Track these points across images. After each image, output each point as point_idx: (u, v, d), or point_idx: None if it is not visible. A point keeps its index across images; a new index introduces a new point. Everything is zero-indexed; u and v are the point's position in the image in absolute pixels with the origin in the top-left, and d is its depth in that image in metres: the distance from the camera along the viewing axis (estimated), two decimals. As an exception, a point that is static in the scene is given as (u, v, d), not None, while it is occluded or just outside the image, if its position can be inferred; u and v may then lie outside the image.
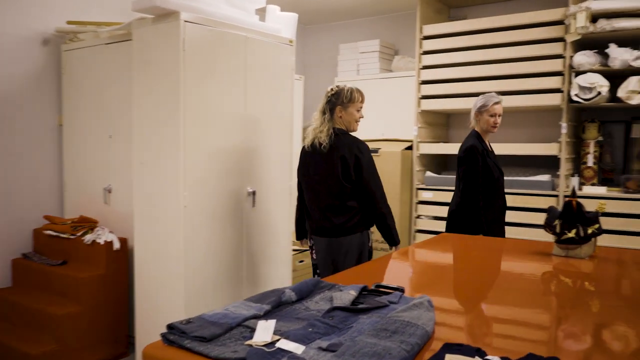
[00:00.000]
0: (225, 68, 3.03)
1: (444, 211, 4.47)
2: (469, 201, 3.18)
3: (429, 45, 4.61)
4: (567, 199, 2.16)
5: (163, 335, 1.12)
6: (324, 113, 2.85)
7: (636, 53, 3.67)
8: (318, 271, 3.02)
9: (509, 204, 4.12)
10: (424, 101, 4.65)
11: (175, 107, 2.77)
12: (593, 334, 1.31)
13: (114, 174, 3.46)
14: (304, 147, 2.99)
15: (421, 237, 4.62)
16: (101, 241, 3.20)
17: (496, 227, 3.29)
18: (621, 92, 3.73)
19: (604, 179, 4.19)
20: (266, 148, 3.37)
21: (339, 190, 2.79)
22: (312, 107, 5.87)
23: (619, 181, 4.02)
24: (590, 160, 4.13)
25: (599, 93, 3.76)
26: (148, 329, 3.00)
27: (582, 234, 2.10)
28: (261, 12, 3.47)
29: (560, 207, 2.27)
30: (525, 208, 4.08)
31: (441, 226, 4.45)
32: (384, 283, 1.45)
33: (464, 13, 4.96)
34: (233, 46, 3.06)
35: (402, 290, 1.38)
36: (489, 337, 1.26)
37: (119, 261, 3.27)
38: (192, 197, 2.85)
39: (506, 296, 1.70)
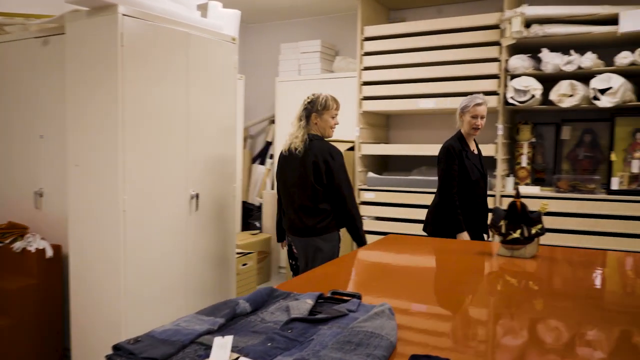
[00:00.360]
0: (166, 66, 2.91)
1: (386, 212, 4.52)
2: (445, 201, 3.24)
3: (370, 46, 4.64)
4: (512, 199, 2.21)
5: (108, 358, 1.03)
6: (300, 120, 3.03)
7: (567, 58, 3.84)
8: (298, 264, 3.12)
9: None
10: (365, 102, 4.68)
11: (113, 106, 2.63)
12: (542, 332, 1.34)
13: (46, 176, 3.25)
14: (281, 152, 3.12)
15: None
16: (32, 249, 3.00)
17: (473, 229, 3.26)
18: (553, 95, 3.89)
19: (537, 179, 4.36)
20: (210, 149, 3.28)
21: (311, 192, 2.92)
22: (253, 107, 5.82)
23: (550, 181, 4.20)
24: (524, 161, 4.29)
25: (533, 96, 3.90)
26: (85, 342, 2.84)
27: (526, 234, 2.15)
28: (203, 8, 3.37)
29: (503, 208, 2.33)
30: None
31: (385, 227, 4.51)
32: (340, 290, 1.42)
33: (403, 16, 5.03)
34: (174, 43, 2.95)
35: (359, 296, 1.36)
36: (446, 342, 1.25)
37: (52, 270, 3.07)
38: (132, 201, 2.72)
39: (458, 298, 1.71)
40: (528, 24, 3.93)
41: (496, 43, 4.14)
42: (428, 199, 4.29)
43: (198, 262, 3.22)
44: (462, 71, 4.27)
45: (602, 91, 3.70)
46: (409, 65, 4.49)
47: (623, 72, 3.72)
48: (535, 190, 4.05)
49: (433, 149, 4.40)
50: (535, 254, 2.19)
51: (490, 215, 2.32)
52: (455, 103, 4.26)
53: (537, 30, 3.89)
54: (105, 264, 2.73)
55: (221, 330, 1.15)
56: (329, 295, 1.39)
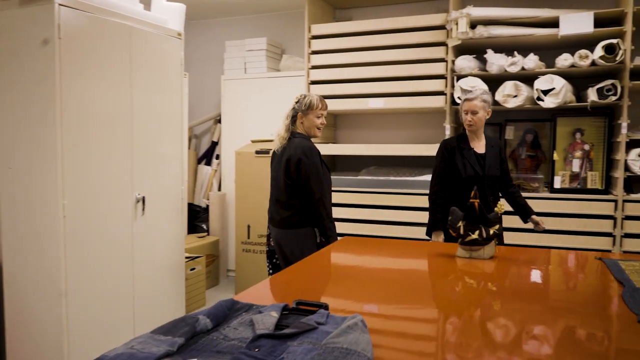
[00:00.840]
0: (108, 61, 2.74)
1: (335, 212, 4.47)
2: (429, 196, 3.29)
3: (318, 45, 4.59)
4: (470, 200, 2.21)
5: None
6: (287, 119, 3.15)
7: (511, 59, 3.92)
8: (275, 258, 3.20)
9: (392, 203, 4.24)
10: (314, 101, 4.62)
11: (50, 104, 2.45)
12: (499, 333, 1.32)
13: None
14: (273, 150, 3.27)
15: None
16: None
17: None
18: (498, 96, 3.96)
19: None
20: (155, 149, 3.13)
21: (283, 187, 3.07)
22: (198, 106, 5.65)
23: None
24: (470, 160, 4.35)
25: (480, 96, 3.96)
26: None
27: (484, 235, 2.16)
28: (146, 2, 3.21)
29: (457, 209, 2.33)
30: (411, 207, 4.19)
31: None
32: (305, 299, 1.35)
33: (349, 14, 5.00)
34: (116, 37, 2.78)
35: (326, 307, 1.29)
36: (405, 344, 1.21)
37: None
38: (72, 206, 2.54)
39: (418, 302, 1.68)
40: (473, 25, 3.99)
41: (443, 43, 4.18)
42: (378, 200, 4.30)
43: (145, 268, 3.07)
44: (410, 71, 4.28)
45: (545, 92, 3.80)
46: (357, 65, 4.47)
47: (563, 74, 3.84)
48: (481, 188, 4.11)
49: (382, 149, 4.42)
50: (494, 255, 2.19)
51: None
52: (404, 103, 4.30)
53: (482, 31, 3.95)
54: (44, 275, 2.54)
55: (181, 352, 1.05)
56: (294, 306, 1.31)
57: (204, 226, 5.19)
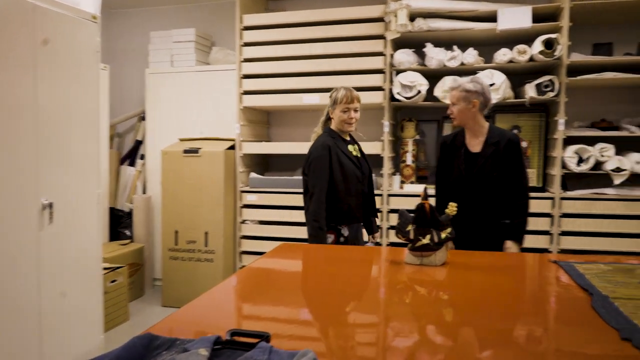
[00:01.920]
0: (7, 45, 2.35)
1: (270, 215, 4.24)
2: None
3: (250, 36, 4.31)
4: (420, 201, 2.03)
5: None
6: (323, 115, 3.03)
7: (450, 54, 3.81)
8: None
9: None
10: (246, 97, 4.34)
11: None
12: (456, 346, 1.14)
13: None
14: None
15: (247, 244, 4.32)
16: None
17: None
18: (437, 92, 3.85)
19: (420, 177, 4.32)
20: (67, 149, 2.75)
21: (303, 184, 2.98)
22: (120, 102, 5.21)
23: (433, 179, 4.16)
24: (409, 159, 4.23)
25: (419, 92, 3.84)
26: None
27: (436, 239, 1.98)
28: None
29: (409, 210, 2.14)
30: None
31: (270, 231, 4.22)
32: (241, 328, 1.10)
33: (283, 5, 4.76)
34: (16, 16, 2.40)
35: (267, 337, 1.05)
36: None
37: None
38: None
39: (368, 315, 1.48)
40: (412, 17, 3.86)
41: (381, 37, 4.02)
42: (316, 200, 4.08)
43: (55, 284, 2.69)
44: (346, 65, 4.10)
45: (485, 87, 3.71)
46: (291, 58, 4.24)
47: (502, 69, 3.78)
48: (420, 188, 3.99)
49: (319, 147, 4.20)
50: (445, 261, 2.02)
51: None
52: (341, 98, 4.11)
53: (421, 24, 3.82)
54: None
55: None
56: (227, 337, 1.06)
57: (128, 232, 4.78)
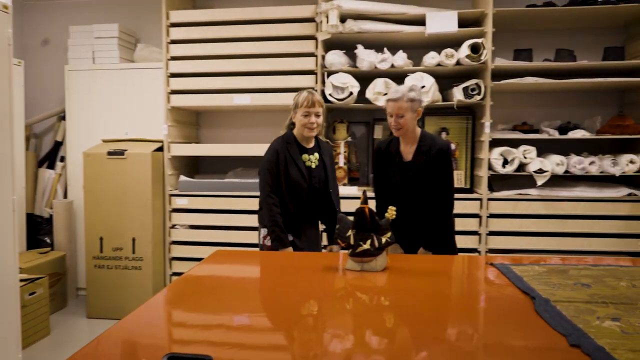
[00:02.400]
0: None
1: (201, 219, 4.12)
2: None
3: (177, 33, 4.15)
4: (359, 206, 2.00)
5: None
6: (288, 119, 2.93)
7: (381, 56, 3.83)
8: None
9: (255, 207, 3.92)
10: (174, 97, 4.19)
11: None
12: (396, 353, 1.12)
13: None
14: None
15: (178, 250, 4.18)
16: None
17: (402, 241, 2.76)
18: (369, 94, 3.86)
19: (352, 179, 4.33)
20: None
21: None
22: (37, 99, 4.89)
23: (365, 181, 4.20)
24: (341, 161, 4.22)
25: (351, 93, 3.83)
26: None
27: (377, 244, 1.96)
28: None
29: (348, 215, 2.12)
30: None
31: (202, 236, 4.10)
32: (179, 352, 1.03)
33: (210, 2, 4.62)
34: None
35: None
36: None
37: None
38: None
39: (310, 324, 1.44)
40: (343, 19, 3.84)
41: (312, 37, 3.98)
42: (246, 204, 4.01)
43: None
44: (277, 65, 4.03)
45: (415, 90, 3.76)
46: (221, 57, 4.12)
47: (431, 72, 3.83)
48: (352, 190, 3.99)
49: (250, 149, 4.12)
50: (386, 267, 2.01)
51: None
52: (272, 99, 4.04)
53: (352, 25, 3.81)
54: None
55: None
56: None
57: (48, 240, 4.51)
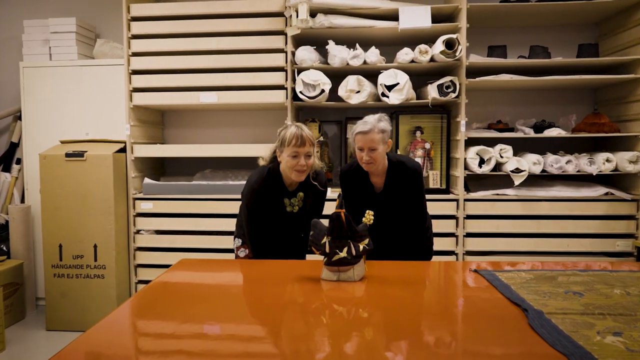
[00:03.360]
0: None
1: (168, 224, 3.93)
2: None
3: (139, 28, 3.94)
4: (335, 210, 1.86)
5: None
6: (271, 150, 2.56)
7: (353, 52, 3.69)
8: None
9: (232, 211, 3.76)
10: (136, 95, 3.97)
11: None
12: None
13: None
14: None
15: (143, 257, 3.98)
16: None
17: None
18: (341, 91, 3.72)
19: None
20: None
21: None
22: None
23: (339, 182, 4.04)
24: (314, 160, 4.08)
25: (323, 91, 3.68)
26: None
27: (354, 252, 1.82)
28: None
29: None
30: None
31: (168, 241, 3.91)
32: None
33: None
34: None
35: None
36: None
37: None
38: None
39: (284, 340, 1.31)
40: (313, 13, 3.69)
41: (281, 32, 3.82)
42: (215, 207, 3.84)
43: None
44: (245, 62, 3.86)
45: (389, 88, 3.64)
46: (186, 53, 3.93)
47: (404, 69, 3.71)
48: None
49: (218, 150, 3.95)
50: (364, 276, 1.88)
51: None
52: (240, 97, 3.87)
53: (322, 20, 3.67)
54: None
55: None
56: None
57: (4, 247, 4.25)
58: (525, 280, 1.83)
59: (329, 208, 2.37)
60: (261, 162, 2.59)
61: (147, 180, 4.00)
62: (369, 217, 1.91)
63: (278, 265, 2.31)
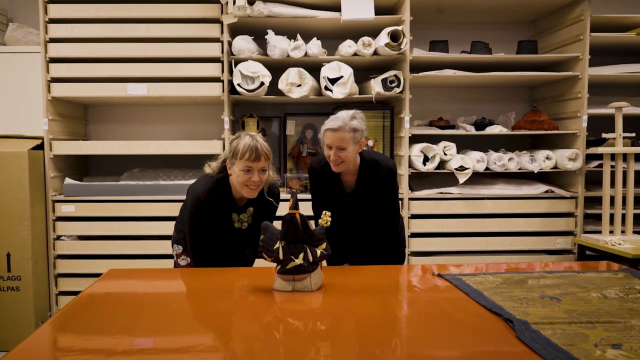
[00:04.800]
0: None
1: (93, 228, 3.60)
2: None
3: (57, 11, 3.54)
4: (289, 211, 1.67)
5: None
6: (219, 159, 2.32)
7: (294, 43, 3.50)
8: None
9: (164, 213, 3.51)
10: (55, 85, 3.59)
11: None
12: None
13: None
14: None
15: (65, 265, 3.62)
16: None
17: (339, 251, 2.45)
18: (282, 84, 3.52)
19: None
20: None
21: None
22: None
23: (281, 182, 3.86)
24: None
25: (262, 84, 3.47)
26: None
27: (311, 258, 1.64)
28: None
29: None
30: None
31: (92, 248, 3.58)
32: None
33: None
34: None
35: None
36: None
37: None
38: None
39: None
40: (252, 0, 3.47)
41: (217, 20, 3.57)
42: (145, 210, 3.54)
43: None
44: (178, 51, 3.58)
45: (332, 81, 3.48)
46: (111, 40, 3.59)
47: (347, 62, 3.57)
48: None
49: (148, 147, 3.64)
50: (322, 284, 1.70)
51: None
52: (172, 90, 3.58)
53: (261, 8, 3.46)
54: None
55: None
56: None
57: None
58: (495, 284, 1.73)
59: (283, 209, 2.19)
60: (207, 171, 2.34)
61: (68, 180, 3.63)
62: (325, 218, 1.74)
63: (224, 273, 2.09)
